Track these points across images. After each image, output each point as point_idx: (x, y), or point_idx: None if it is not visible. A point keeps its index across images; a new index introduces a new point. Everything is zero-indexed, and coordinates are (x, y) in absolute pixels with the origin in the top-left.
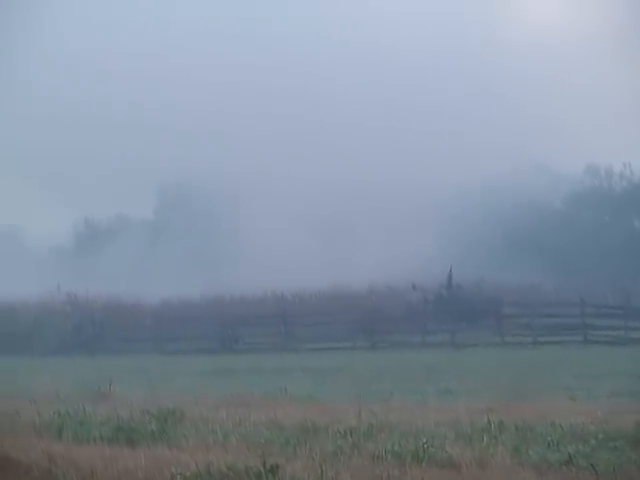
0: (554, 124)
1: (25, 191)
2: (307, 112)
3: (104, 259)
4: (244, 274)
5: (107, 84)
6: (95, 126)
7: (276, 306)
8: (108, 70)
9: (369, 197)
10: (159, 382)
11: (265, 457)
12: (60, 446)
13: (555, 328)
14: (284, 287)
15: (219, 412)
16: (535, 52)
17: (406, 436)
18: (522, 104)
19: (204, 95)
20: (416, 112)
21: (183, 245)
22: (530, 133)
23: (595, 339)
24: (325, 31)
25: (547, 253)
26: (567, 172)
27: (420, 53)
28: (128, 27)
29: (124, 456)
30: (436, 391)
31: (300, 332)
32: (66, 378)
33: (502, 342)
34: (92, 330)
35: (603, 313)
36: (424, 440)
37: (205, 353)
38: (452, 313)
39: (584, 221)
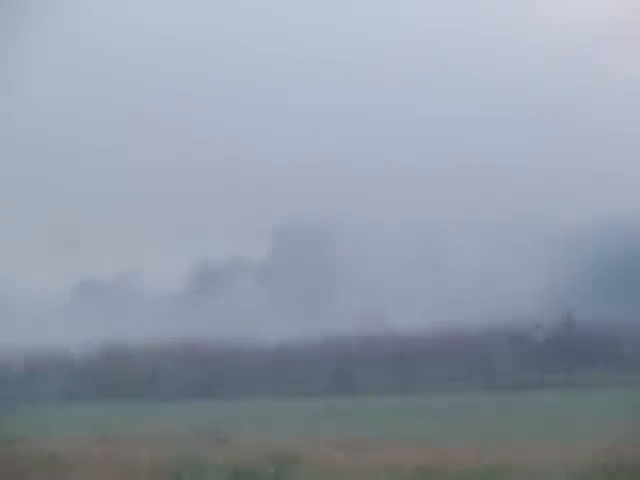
0: None
1: (142, 237)
2: (419, 155)
3: (221, 302)
4: (359, 315)
5: (225, 131)
6: (211, 172)
7: (393, 347)
8: (224, 117)
9: (481, 235)
10: (276, 424)
11: None
12: None
13: None
14: (400, 328)
15: (336, 454)
16: None
17: (525, 477)
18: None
19: (318, 142)
20: (529, 148)
21: (299, 287)
22: None
23: None
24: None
25: None
26: None
27: (538, 88)
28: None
29: None
30: (554, 430)
31: (417, 373)
32: (183, 422)
33: (621, 380)
34: (209, 374)
35: None
36: None
37: (322, 395)
38: (571, 352)
39: None
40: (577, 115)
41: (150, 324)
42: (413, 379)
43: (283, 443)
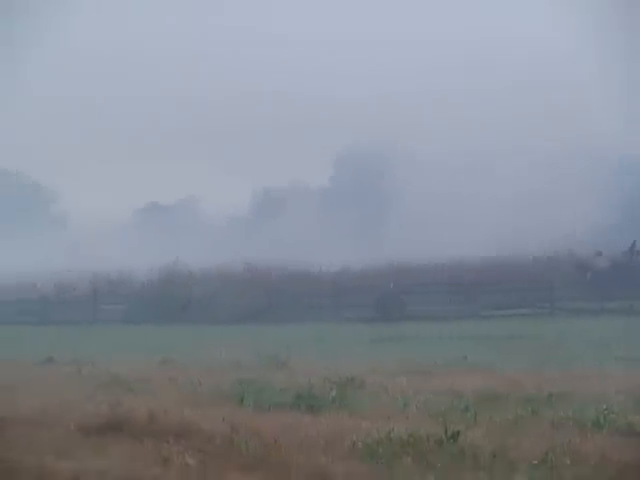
0: None
1: (204, 162)
2: (473, 82)
3: (281, 227)
4: (421, 240)
5: (281, 56)
6: (276, 99)
7: (453, 273)
8: (287, 48)
9: (538, 162)
10: (338, 350)
11: (446, 424)
12: (241, 414)
13: None
14: (461, 254)
15: (399, 380)
16: None
17: (586, 404)
18: None
19: (380, 65)
20: (579, 66)
21: (360, 212)
22: None
23: None
24: None
25: None
26: None
27: None
28: None
29: (305, 423)
30: (615, 358)
31: (479, 299)
32: (245, 346)
33: None
34: (270, 298)
35: None
36: (604, 407)
37: (383, 321)
38: (632, 280)
39: None
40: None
41: (212, 249)
42: (474, 307)
43: (345, 368)
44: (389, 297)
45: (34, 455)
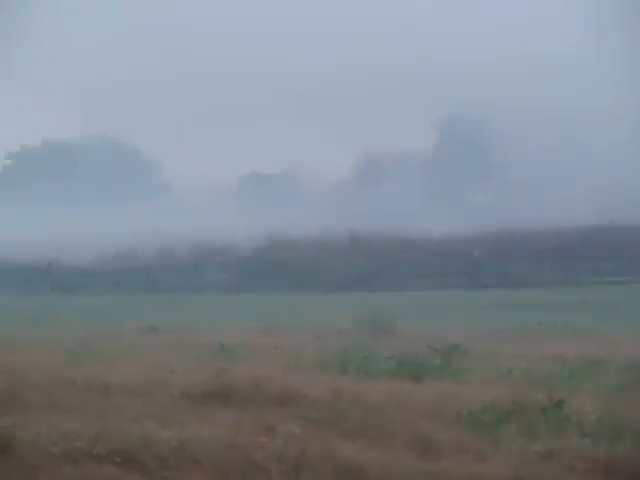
0: None
1: (307, 131)
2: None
3: (384, 195)
4: (520, 208)
5: (386, 24)
6: (376, 64)
7: (554, 241)
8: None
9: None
10: (441, 317)
11: (550, 392)
12: (345, 380)
13: None
14: (561, 222)
15: (502, 346)
16: None
17: None
18: None
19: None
20: None
21: (460, 180)
22: None
23: None
24: None
25: None
26: None
27: None
28: None
29: (409, 390)
30: None
31: (579, 266)
32: (348, 313)
33: None
34: (372, 266)
35: None
36: None
37: (485, 288)
38: None
39: None
40: None
41: (314, 216)
42: (575, 273)
43: (449, 335)
44: (486, 264)
45: (139, 423)
